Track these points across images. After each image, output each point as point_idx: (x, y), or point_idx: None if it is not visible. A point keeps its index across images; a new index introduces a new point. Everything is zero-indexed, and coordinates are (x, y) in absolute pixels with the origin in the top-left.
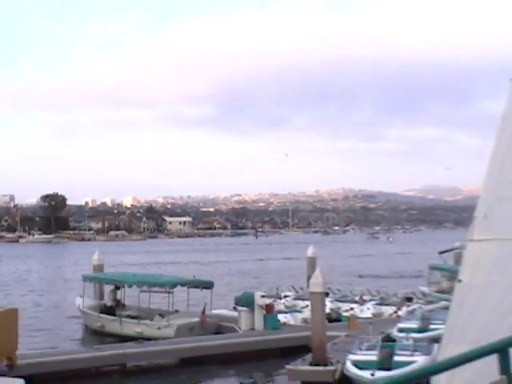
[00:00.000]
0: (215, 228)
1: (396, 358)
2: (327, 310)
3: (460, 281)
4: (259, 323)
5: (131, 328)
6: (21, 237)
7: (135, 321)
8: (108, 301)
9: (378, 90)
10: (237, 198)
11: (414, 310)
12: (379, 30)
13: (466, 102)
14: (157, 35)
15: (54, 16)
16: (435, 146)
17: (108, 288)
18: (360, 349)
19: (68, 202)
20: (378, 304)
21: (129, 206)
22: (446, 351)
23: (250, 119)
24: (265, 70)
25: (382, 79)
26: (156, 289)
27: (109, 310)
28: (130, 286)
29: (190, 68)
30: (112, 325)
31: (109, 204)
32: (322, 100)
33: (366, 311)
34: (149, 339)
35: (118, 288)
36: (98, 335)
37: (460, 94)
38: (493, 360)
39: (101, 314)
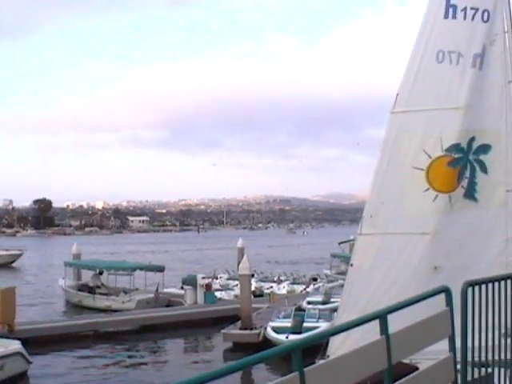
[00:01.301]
0: (167, 225)
1: (305, 324)
2: (253, 288)
3: (352, 265)
4: (201, 298)
5: (102, 302)
6: (17, 232)
7: (105, 296)
8: (91, 282)
9: (290, 119)
10: (183, 202)
11: (319, 287)
12: (290, 74)
13: (356, 129)
14: (120, 76)
15: (40, 59)
16: (335, 162)
17: (84, 272)
18: (278, 317)
19: (53, 205)
20: (291, 283)
21: (100, 208)
22: (341, 318)
23: (193, 141)
24: (204, 103)
25: (293, 111)
26: (121, 272)
27: (90, 290)
28: (102, 271)
29: (148, 101)
30: (87, 300)
31: (85, 206)
32: (248, 126)
33: (282, 289)
34: (116, 311)
35: (100, 273)
36: (76, 308)
37: (351, 123)
38: (376, 324)
39: (78, 292)
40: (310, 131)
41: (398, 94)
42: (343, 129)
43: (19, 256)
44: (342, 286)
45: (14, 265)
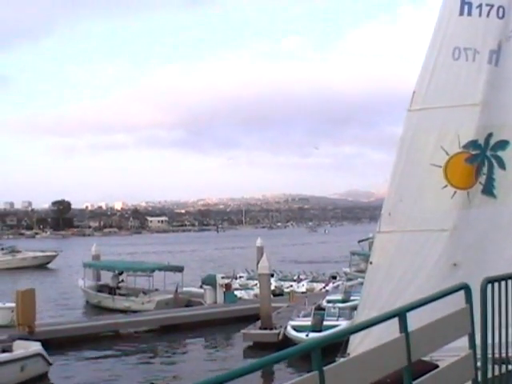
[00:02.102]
0: (186, 225)
1: (325, 323)
2: (272, 287)
3: (371, 263)
4: (220, 298)
5: (121, 303)
6: (36, 233)
7: (124, 297)
8: (111, 283)
9: (307, 117)
10: (202, 202)
11: (339, 285)
12: (306, 73)
13: (373, 126)
14: (137, 77)
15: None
16: (353, 159)
17: (104, 273)
18: (298, 316)
19: (72, 207)
20: (310, 282)
21: (119, 208)
22: (361, 316)
23: (210, 141)
24: (222, 103)
25: (309, 110)
26: (139, 273)
27: (110, 291)
28: (121, 272)
29: (164, 101)
30: (106, 301)
31: (104, 207)
32: (265, 125)
33: (302, 287)
34: (135, 311)
35: (120, 273)
36: (95, 309)
37: (368, 121)
38: (395, 322)
39: (98, 293)
40: (327, 129)
41: (414, 92)
42: (360, 126)
43: (55, 257)
44: (361, 284)
45: (49, 266)
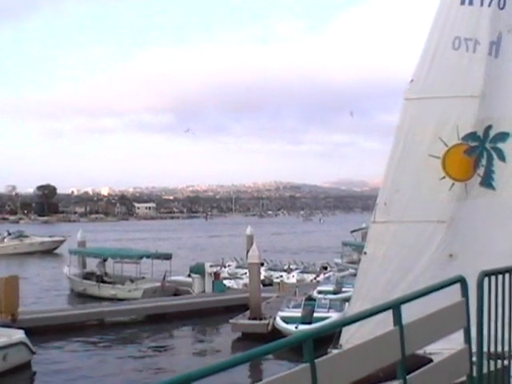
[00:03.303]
0: (174, 212)
1: (316, 314)
2: (262, 277)
3: (365, 253)
4: (209, 287)
5: (107, 291)
6: (20, 219)
7: (110, 285)
8: (98, 270)
9: (299, 104)
10: (191, 189)
11: (330, 276)
12: (298, 58)
13: (366, 114)
14: (125, 60)
15: (39, 41)
16: (344, 148)
17: (89, 260)
18: (287, 307)
19: (58, 191)
20: (301, 272)
21: (106, 194)
22: (354, 308)
23: (200, 126)
24: (211, 87)
25: (301, 96)
26: (127, 260)
27: (97, 279)
28: (106, 259)
29: (152, 85)
30: (92, 288)
31: (90, 193)
32: (256, 111)
33: (292, 278)
34: (121, 300)
35: (105, 260)
36: (81, 297)
37: (361, 108)
38: (389, 314)
39: (83, 280)
40: (319, 116)
41: (412, 80)
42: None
43: (62, 242)
44: (353, 275)
45: (56, 251)
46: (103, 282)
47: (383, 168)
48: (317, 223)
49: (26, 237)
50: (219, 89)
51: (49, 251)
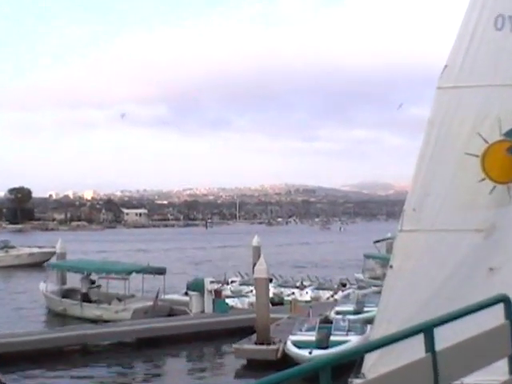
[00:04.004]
0: (169, 219)
1: (332, 338)
2: (271, 295)
3: (391, 267)
4: (209, 307)
5: (91, 311)
6: None
7: (95, 305)
8: (83, 287)
9: (313, 94)
10: (188, 192)
11: (349, 294)
12: (310, 42)
13: (392, 105)
14: (111, 43)
15: (10, 20)
16: (367, 145)
17: (70, 275)
18: (300, 330)
19: (33, 195)
20: (316, 289)
21: (89, 198)
22: (377, 331)
23: (197, 120)
24: (210, 75)
25: (316, 85)
26: (113, 275)
27: (82, 297)
28: (90, 273)
29: (143, 72)
30: (73, 308)
31: (71, 197)
32: (263, 103)
33: (306, 295)
34: (107, 321)
35: (89, 275)
36: (60, 318)
37: (386, 99)
38: (420, 339)
39: (63, 299)
40: (337, 108)
41: (446, 66)
42: (376, 105)
43: (53, 254)
44: (376, 292)
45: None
46: (87, 300)
47: (412, 168)
48: (336, 232)
49: (13, 247)
50: (219, 77)
51: (38, 264)
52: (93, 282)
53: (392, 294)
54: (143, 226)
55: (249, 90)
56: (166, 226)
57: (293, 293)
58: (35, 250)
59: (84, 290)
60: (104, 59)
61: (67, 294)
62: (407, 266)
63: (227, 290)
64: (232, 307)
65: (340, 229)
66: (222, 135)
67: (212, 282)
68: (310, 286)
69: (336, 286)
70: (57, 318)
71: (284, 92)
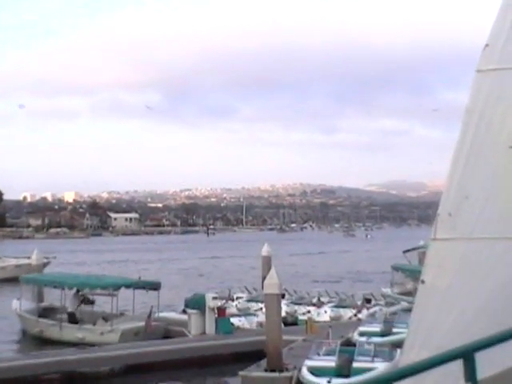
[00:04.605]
0: (164, 225)
1: (355, 365)
2: (283, 313)
3: (423, 282)
4: (210, 327)
5: (72, 333)
6: None
7: (77, 325)
8: (71, 306)
9: (331, 79)
10: (187, 193)
11: (375, 312)
12: (329, 16)
13: (424, 91)
14: (94, 20)
15: None
16: (395, 138)
17: (48, 290)
18: (318, 354)
19: (4, 197)
20: (336, 306)
21: (71, 201)
22: (408, 357)
23: (197, 108)
24: (210, 56)
25: (334, 68)
26: (99, 291)
27: (71, 318)
28: (71, 288)
29: (132, 53)
30: (51, 330)
31: (49, 199)
32: (272, 89)
33: (324, 314)
34: (92, 345)
35: (78, 291)
36: (36, 341)
37: (417, 84)
38: (458, 366)
39: (40, 319)
40: (360, 94)
41: (487, 45)
42: (406, 91)
43: (45, 265)
44: (406, 310)
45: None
46: (74, 321)
47: (447, 165)
48: (361, 240)
49: None
50: (221, 59)
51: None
52: (87, 301)
53: (425, 314)
54: (134, 234)
55: (257, 73)
56: (160, 233)
57: (309, 311)
58: (24, 261)
59: (71, 309)
60: (85, 42)
61: (45, 313)
62: (442, 280)
63: (232, 308)
64: (238, 328)
65: (366, 236)
66: (226, 126)
67: (215, 299)
68: (328, 302)
69: (359, 303)
70: (33, 341)
71: (299, 75)
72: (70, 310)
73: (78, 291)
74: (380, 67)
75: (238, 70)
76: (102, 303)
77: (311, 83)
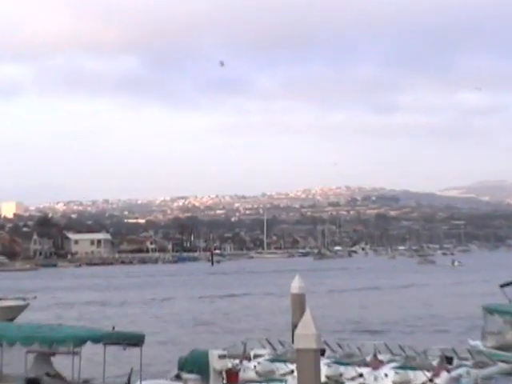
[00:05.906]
0: (148, 250)
1: None
2: (323, 378)
3: None
4: None
5: None
6: None
7: None
8: (33, 370)
9: (385, 36)
10: (181, 203)
11: (460, 376)
12: None
13: None
14: None
15: None
16: (483, 118)
17: None
18: None
19: None
20: (402, 367)
21: (10, 216)
22: None
23: (192, 80)
24: (211, 5)
25: (391, 18)
26: (54, 347)
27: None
28: (12, 344)
29: (97, 4)
30: None
31: None
32: (301, 50)
33: (385, 378)
34: None
35: (52, 355)
36: None
37: (507, 40)
38: None
39: None
40: (428, 57)
41: None
42: (500, 50)
43: (23, 308)
44: (507, 373)
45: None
46: None
47: None
48: (444, 269)
49: None
50: (227, 4)
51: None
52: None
53: None
54: (104, 263)
55: (280, 27)
56: (143, 261)
57: (361, 374)
58: (10, 302)
59: (32, 375)
60: None
61: None
62: None
63: (249, 371)
64: None
65: (454, 263)
66: (235, 105)
67: (222, 357)
68: (390, 362)
69: (436, 363)
70: None
71: (338, 32)
72: (31, 375)
73: (52, 354)
74: (461, 14)
75: (252, 23)
76: (58, 366)
77: (358, 41)
